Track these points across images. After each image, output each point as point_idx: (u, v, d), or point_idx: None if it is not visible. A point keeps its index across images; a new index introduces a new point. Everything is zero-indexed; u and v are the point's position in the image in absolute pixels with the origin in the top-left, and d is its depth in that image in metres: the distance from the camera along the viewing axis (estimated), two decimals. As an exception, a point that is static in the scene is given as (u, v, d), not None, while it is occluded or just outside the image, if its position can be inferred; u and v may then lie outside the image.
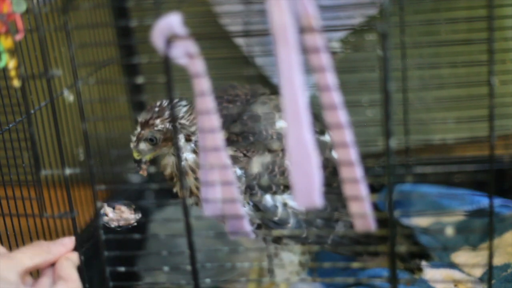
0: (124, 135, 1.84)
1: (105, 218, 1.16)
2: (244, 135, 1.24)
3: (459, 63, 1.44)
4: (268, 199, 1.23)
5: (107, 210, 1.18)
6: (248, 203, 1.23)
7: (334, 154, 1.27)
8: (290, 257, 1.34)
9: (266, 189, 1.23)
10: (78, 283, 0.96)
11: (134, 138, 1.22)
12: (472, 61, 1.35)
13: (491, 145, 0.84)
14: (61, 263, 0.96)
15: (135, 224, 1.18)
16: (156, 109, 1.21)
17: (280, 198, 1.24)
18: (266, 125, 1.25)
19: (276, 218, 1.23)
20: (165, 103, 1.21)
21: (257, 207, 1.23)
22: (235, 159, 1.22)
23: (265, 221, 1.24)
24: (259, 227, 1.26)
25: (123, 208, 1.19)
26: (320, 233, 1.28)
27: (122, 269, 0.97)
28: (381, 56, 0.77)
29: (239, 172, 1.22)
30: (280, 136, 1.24)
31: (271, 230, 1.25)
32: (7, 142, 1.22)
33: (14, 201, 1.21)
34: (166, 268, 1.02)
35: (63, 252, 0.97)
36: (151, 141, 1.21)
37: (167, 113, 1.20)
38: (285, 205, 1.24)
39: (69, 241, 0.99)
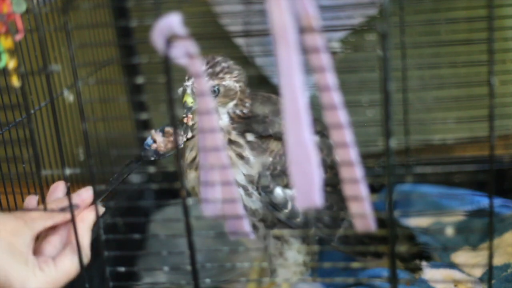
0: (124, 135, 1.85)
1: (153, 146, 1.13)
2: (265, 126, 1.25)
3: (459, 63, 1.44)
4: (278, 191, 1.24)
5: (155, 135, 1.16)
6: (260, 194, 1.23)
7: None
8: (295, 257, 1.34)
9: (278, 180, 1.23)
10: (87, 251, 0.96)
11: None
12: (472, 61, 1.35)
13: (491, 145, 0.84)
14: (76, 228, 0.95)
15: (182, 146, 1.15)
16: (225, 64, 1.22)
17: (290, 193, 1.24)
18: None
19: (286, 211, 1.24)
20: (231, 62, 1.24)
21: (268, 198, 1.24)
22: (252, 145, 1.23)
23: (274, 212, 1.25)
24: (263, 220, 1.26)
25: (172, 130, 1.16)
26: (327, 231, 1.28)
27: (122, 269, 0.97)
28: (381, 56, 0.77)
29: (253, 160, 1.23)
30: None
31: (276, 225, 1.26)
32: (7, 142, 1.22)
33: (14, 199, 1.21)
34: (166, 268, 1.02)
35: (81, 208, 0.96)
36: (213, 92, 1.21)
37: (236, 72, 1.23)
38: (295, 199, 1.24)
39: (87, 194, 0.98)
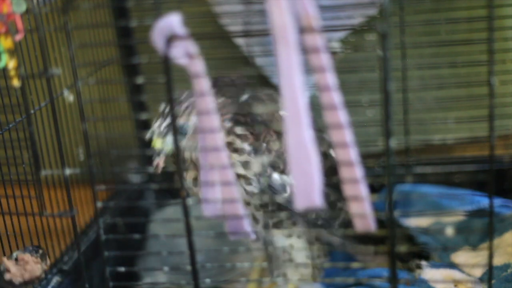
0: (124, 135, 1.85)
1: (7, 276, 1.00)
2: (251, 116, 1.24)
3: (459, 63, 1.44)
4: (276, 177, 1.24)
5: (8, 264, 1.02)
6: (259, 182, 1.23)
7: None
8: (304, 260, 1.34)
9: (274, 168, 1.23)
10: None
11: (162, 127, 1.18)
12: (472, 61, 1.35)
13: (491, 145, 0.84)
14: None
15: (43, 276, 1.02)
16: (188, 103, 1.20)
17: (287, 178, 1.24)
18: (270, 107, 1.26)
19: (286, 195, 1.24)
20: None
21: (266, 184, 1.24)
22: (244, 137, 1.23)
23: (273, 196, 1.24)
24: (262, 206, 1.26)
25: (27, 257, 1.02)
26: (327, 215, 1.27)
27: (122, 269, 0.97)
28: (381, 56, 0.77)
29: (247, 148, 1.23)
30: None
31: (275, 212, 1.26)
32: (7, 142, 1.22)
33: (14, 200, 1.21)
34: (166, 268, 1.02)
35: None
36: (182, 132, 1.20)
37: None
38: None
39: None
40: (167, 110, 1.18)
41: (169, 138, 1.18)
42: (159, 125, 1.18)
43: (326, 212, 1.27)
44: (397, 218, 1.47)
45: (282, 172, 1.24)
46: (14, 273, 1.00)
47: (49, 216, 1.34)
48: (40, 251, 1.02)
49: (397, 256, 1.38)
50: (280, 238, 1.32)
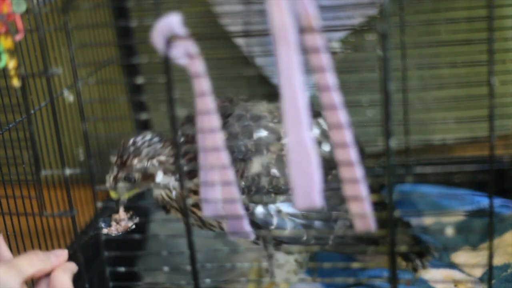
0: (124, 135, 1.85)
1: (104, 231, 1.20)
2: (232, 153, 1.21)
3: (459, 63, 1.44)
4: (258, 211, 1.22)
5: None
6: None
7: (324, 148, 1.26)
8: (285, 257, 1.33)
9: (256, 200, 1.21)
10: None
11: (111, 179, 1.21)
12: (472, 61, 1.35)
13: (491, 145, 0.84)
14: (57, 274, 0.96)
15: (134, 227, 1.22)
16: (131, 148, 1.20)
17: (273, 207, 1.23)
18: (244, 140, 1.23)
19: (272, 227, 1.22)
20: (139, 141, 1.21)
21: (252, 222, 1.21)
22: None
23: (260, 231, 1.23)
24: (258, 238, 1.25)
25: (122, 216, 1.24)
26: (320, 235, 1.26)
27: (122, 269, 0.97)
28: (381, 56, 0.77)
29: None
30: (259, 147, 1.22)
31: (270, 236, 1.25)
32: (7, 142, 1.22)
33: (14, 200, 1.21)
34: (166, 268, 1.02)
35: (58, 263, 0.97)
36: (129, 180, 1.20)
37: (144, 152, 1.20)
38: (279, 212, 1.23)
39: (63, 253, 1.00)
40: (114, 159, 1.20)
41: (121, 186, 1.21)
42: (109, 178, 1.21)
43: (320, 230, 1.26)
44: (402, 217, 1.47)
45: (266, 203, 1.22)
46: (110, 229, 1.21)
47: (49, 216, 1.34)
48: (130, 212, 1.24)
49: (402, 256, 1.38)
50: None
